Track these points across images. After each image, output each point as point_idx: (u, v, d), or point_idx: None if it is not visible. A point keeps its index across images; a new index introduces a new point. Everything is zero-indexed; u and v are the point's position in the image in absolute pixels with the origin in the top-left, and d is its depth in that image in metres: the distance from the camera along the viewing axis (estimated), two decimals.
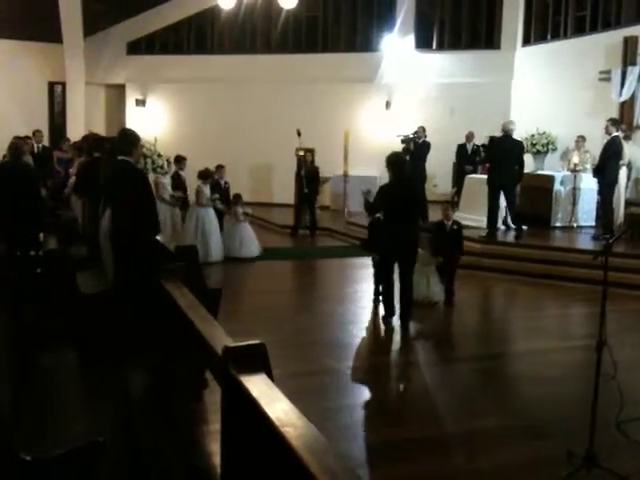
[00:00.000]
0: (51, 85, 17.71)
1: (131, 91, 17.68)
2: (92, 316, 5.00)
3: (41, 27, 16.43)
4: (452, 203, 7.83)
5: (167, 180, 10.96)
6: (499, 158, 10.23)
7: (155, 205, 5.67)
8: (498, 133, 14.17)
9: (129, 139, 5.59)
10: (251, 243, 10.75)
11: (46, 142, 14.33)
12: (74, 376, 4.39)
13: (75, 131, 15.51)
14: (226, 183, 11.62)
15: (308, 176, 12.92)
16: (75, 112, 17.04)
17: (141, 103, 17.60)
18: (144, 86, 17.58)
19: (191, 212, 10.64)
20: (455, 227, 8.13)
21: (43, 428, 3.52)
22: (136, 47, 17.77)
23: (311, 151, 15.53)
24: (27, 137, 11.51)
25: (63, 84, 17.30)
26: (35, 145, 12.46)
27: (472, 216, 11.73)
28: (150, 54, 17.63)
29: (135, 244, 5.32)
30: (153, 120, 17.05)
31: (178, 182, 11.19)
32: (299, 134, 12.66)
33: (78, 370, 4.56)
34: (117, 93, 17.96)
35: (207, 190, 10.54)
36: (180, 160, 11.50)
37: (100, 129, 15.30)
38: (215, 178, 11.04)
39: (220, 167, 11.51)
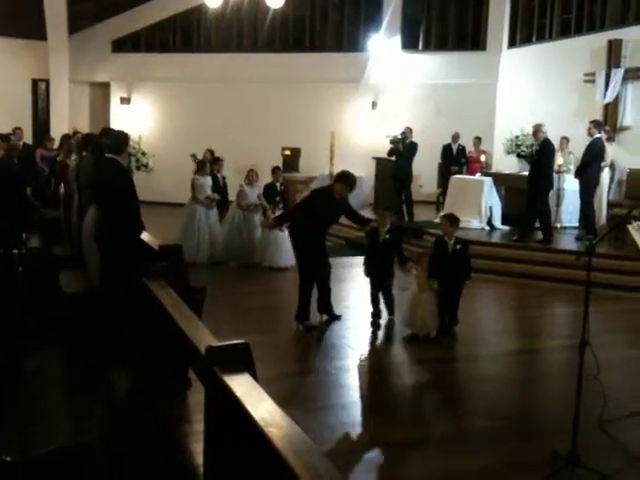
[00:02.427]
0: (35, 82, 17.55)
1: (116, 89, 17.56)
2: (75, 315, 4.96)
3: (25, 24, 16.28)
4: (453, 220, 6.94)
5: (206, 181, 10.41)
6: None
7: (138, 204, 5.63)
8: (482, 134, 14.31)
9: (121, 138, 5.58)
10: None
11: (29, 140, 14.21)
12: (57, 376, 4.35)
13: (59, 129, 15.37)
14: (224, 178, 11.27)
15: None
16: (59, 110, 16.90)
17: (126, 101, 17.49)
18: (129, 84, 17.48)
19: (231, 214, 10.33)
20: (458, 247, 6.83)
21: (26, 428, 3.49)
22: (121, 45, 17.66)
23: (297, 150, 15.56)
24: (9, 134, 11.38)
25: (47, 81, 17.15)
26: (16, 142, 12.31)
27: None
28: (135, 52, 17.52)
29: (120, 243, 5.28)
30: (138, 118, 16.94)
31: (215, 183, 10.73)
32: (194, 159, 12.18)
33: (61, 369, 4.52)
34: (102, 91, 17.85)
35: (250, 191, 10.13)
36: (215, 162, 11.10)
37: (84, 127, 15.17)
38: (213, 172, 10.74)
39: (218, 160, 11.20)
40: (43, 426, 3.58)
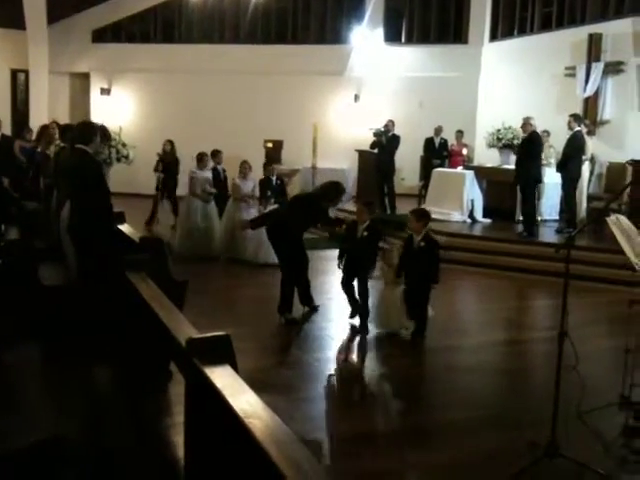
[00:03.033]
0: (14, 73, 17.31)
1: (96, 80, 17.36)
2: (54, 308, 4.92)
3: (3, 13, 16.01)
4: (420, 215, 6.58)
5: (204, 174, 10.19)
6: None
7: (109, 195, 5.58)
8: (464, 127, 14.36)
9: (89, 128, 5.52)
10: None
11: (8, 131, 14.00)
12: (36, 369, 4.31)
13: (38, 120, 15.11)
14: (224, 171, 10.83)
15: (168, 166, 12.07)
16: (38, 101, 16.67)
17: (106, 92, 17.30)
18: (109, 75, 17.29)
19: (228, 208, 10.05)
20: (422, 244, 6.34)
21: (6, 422, 3.45)
22: (101, 35, 17.47)
23: (279, 143, 15.51)
24: None
25: (26, 72, 16.91)
26: None
27: (439, 209, 11.83)
28: (116, 42, 17.33)
29: (93, 236, 5.25)
30: (118, 109, 16.79)
31: (215, 176, 10.49)
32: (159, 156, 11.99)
33: (40, 363, 4.48)
34: (82, 82, 17.65)
35: (244, 184, 9.87)
36: (215, 154, 10.74)
37: (64, 118, 14.99)
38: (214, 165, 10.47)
39: (217, 152, 10.80)
40: (23, 420, 3.55)
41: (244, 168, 10.05)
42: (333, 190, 6.98)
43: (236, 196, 9.93)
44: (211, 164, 10.51)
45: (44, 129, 8.46)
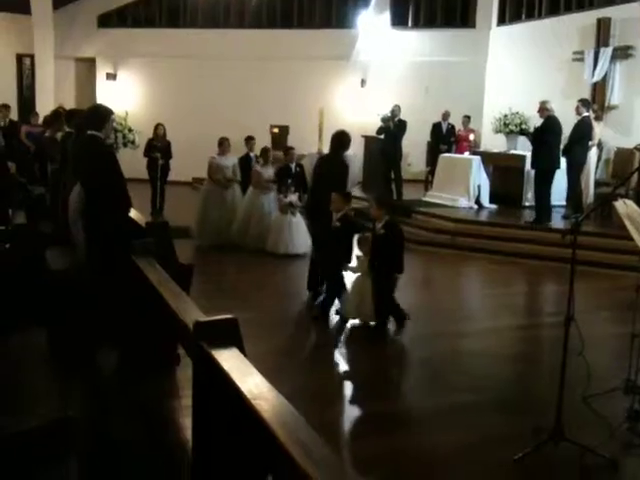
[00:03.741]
0: (19, 58, 17.29)
1: (102, 65, 17.35)
2: (61, 292, 4.94)
3: None
4: (380, 202, 6.30)
5: (225, 160, 9.86)
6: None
7: (124, 181, 5.56)
8: (471, 112, 14.28)
9: (100, 113, 5.45)
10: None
11: (15, 116, 14.00)
12: (43, 352, 4.34)
13: (45, 105, 15.17)
14: (257, 157, 10.39)
15: (162, 149, 11.89)
16: (44, 86, 16.66)
17: (112, 77, 17.29)
18: (115, 60, 17.26)
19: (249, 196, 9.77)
20: (382, 232, 6.07)
21: (12, 407, 3.48)
22: (107, 20, 17.42)
23: (285, 128, 15.47)
24: None
25: (32, 57, 16.89)
26: (2, 120, 12.16)
27: (445, 195, 11.82)
28: (121, 27, 17.30)
29: (107, 222, 5.24)
30: (124, 94, 16.77)
31: (244, 164, 10.17)
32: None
33: (47, 346, 4.50)
34: (87, 67, 17.62)
35: (265, 171, 9.67)
36: (249, 140, 10.49)
37: (70, 103, 14.97)
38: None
39: (250, 139, 10.52)
40: (29, 400, 3.58)
41: (266, 154, 9.87)
42: (345, 135, 7.08)
43: (257, 183, 9.68)
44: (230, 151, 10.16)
45: (57, 114, 8.37)
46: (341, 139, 7.06)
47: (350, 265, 6.45)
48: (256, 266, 8.80)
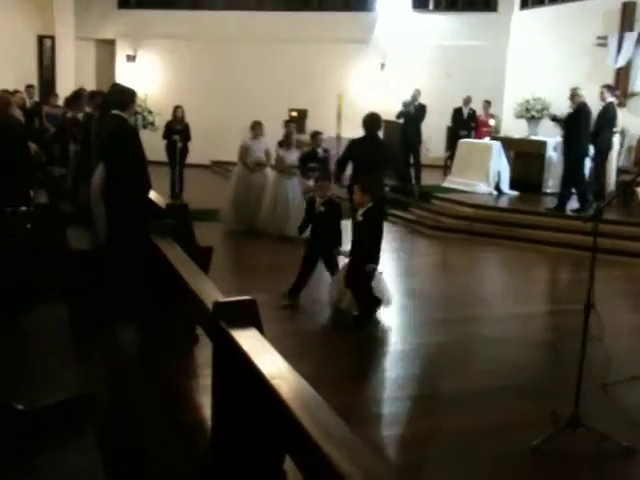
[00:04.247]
0: (40, 39, 17.34)
1: (121, 46, 17.37)
2: (82, 271, 4.99)
3: None
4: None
5: (254, 145, 9.63)
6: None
7: (145, 162, 5.59)
8: (492, 97, 14.13)
9: (125, 94, 5.46)
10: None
11: (37, 97, 14.09)
12: (64, 330, 4.39)
13: (65, 86, 15.21)
14: (325, 151, 9.94)
15: (181, 131, 11.88)
16: (65, 67, 16.74)
17: (132, 59, 17.31)
18: (135, 41, 17.26)
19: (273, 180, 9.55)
20: (361, 219, 5.92)
21: (34, 381, 3.53)
22: (127, 1, 17.41)
23: (304, 112, 15.41)
24: (16, 91, 11.30)
25: (52, 38, 16.96)
26: (27, 100, 12.25)
27: (464, 180, 11.75)
28: (141, 9, 17.27)
29: (127, 202, 5.27)
30: (143, 76, 16.79)
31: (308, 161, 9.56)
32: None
33: (68, 324, 4.56)
34: (107, 48, 17.64)
35: (288, 155, 9.42)
36: (315, 135, 9.95)
37: (90, 85, 15.03)
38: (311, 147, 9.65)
39: (290, 121, 10.24)
40: (50, 380, 3.62)
41: (289, 138, 9.67)
42: (377, 116, 7.30)
43: (281, 168, 9.44)
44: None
45: (78, 95, 8.39)
46: (375, 121, 7.27)
47: (342, 249, 6.33)
48: (278, 250, 8.77)
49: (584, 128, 9.62)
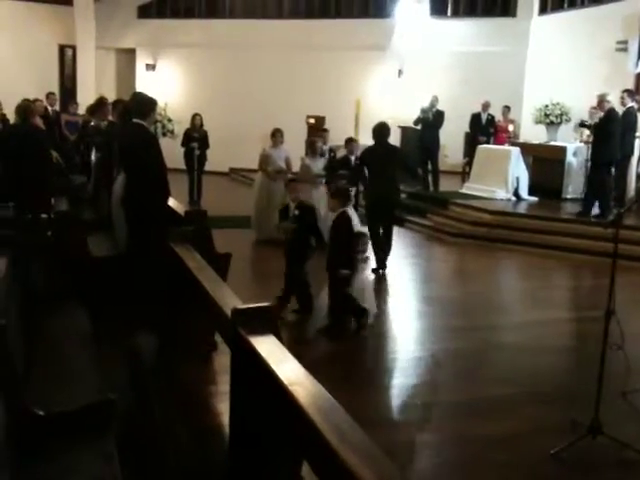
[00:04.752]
0: (61, 48, 17.60)
1: (141, 55, 17.57)
2: (102, 278, 5.04)
3: None
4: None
5: (274, 153, 9.48)
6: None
7: (165, 169, 5.64)
8: (510, 102, 14.06)
9: (146, 102, 5.52)
10: None
11: (57, 106, 14.28)
12: (84, 337, 4.43)
13: (86, 95, 15.43)
14: (331, 151, 9.88)
15: (199, 139, 11.89)
16: (85, 76, 16.95)
17: (151, 68, 17.50)
18: (154, 50, 17.46)
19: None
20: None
21: (54, 386, 3.58)
22: (147, 11, 17.61)
23: (322, 119, 15.45)
24: (37, 100, 11.46)
25: (73, 47, 17.20)
26: (49, 108, 12.43)
27: (483, 186, 11.70)
28: (161, 18, 17.48)
29: (147, 209, 5.32)
30: (163, 85, 16.95)
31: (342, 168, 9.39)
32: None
33: (89, 332, 4.60)
34: (127, 57, 17.86)
35: (314, 163, 9.20)
36: (349, 142, 9.79)
37: (110, 94, 15.20)
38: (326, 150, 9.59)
39: (324, 131, 9.96)
40: (72, 384, 3.66)
41: (313, 146, 9.48)
42: (384, 127, 7.90)
43: (305, 177, 9.10)
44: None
45: (101, 103, 8.43)
46: (382, 130, 7.89)
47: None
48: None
49: (614, 134, 9.51)
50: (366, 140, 15.02)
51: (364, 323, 5.78)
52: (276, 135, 9.62)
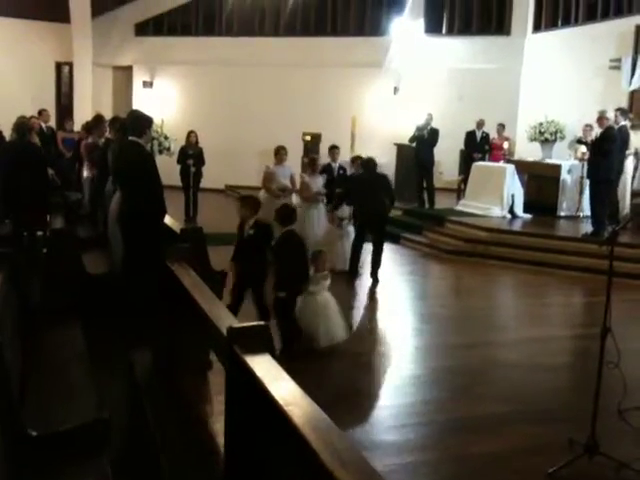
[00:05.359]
0: (58, 65, 17.67)
1: (138, 73, 17.63)
2: (98, 296, 5.03)
3: (49, 6, 16.37)
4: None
5: (278, 170, 9.26)
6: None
7: (161, 187, 5.64)
8: (505, 120, 14.15)
9: (141, 120, 5.53)
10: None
11: (53, 123, 14.32)
12: (79, 355, 4.41)
13: (82, 112, 15.48)
14: (341, 169, 9.63)
15: (194, 156, 11.83)
16: (82, 93, 17.01)
17: (148, 85, 17.56)
18: (151, 68, 17.53)
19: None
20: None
21: (49, 405, 3.55)
22: (144, 28, 17.70)
23: (318, 136, 15.51)
24: (33, 117, 11.49)
25: (70, 64, 17.27)
26: (43, 125, 12.45)
27: (478, 204, 11.73)
28: (158, 35, 17.55)
29: (143, 227, 5.31)
30: (160, 102, 16.99)
31: (329, 173, 9.54)
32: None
33: (84, 349, 4.58)
34: (124, 74, 17.92)
35: (314, 181, 9.03)
36: (333, 149, 9.73)
37: (107, 111, 15.25)
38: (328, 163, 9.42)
39: (334, 148, 9.70)
40: (66, 403, 3.64)
41: (313, 164, 9.35)
42: (372, 161, 8.49)
43: (306, 195, 9.06)
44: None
45: (98, 120, 8.43)
46: (370, 163, 8.56)
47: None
48: None
49: (612, 151, 9.52)
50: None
51: (290, 348, 5.49)
52: (280, 152, 9.45)
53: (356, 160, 9.56)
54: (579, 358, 6.12)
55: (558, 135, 13.29)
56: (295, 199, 9.38)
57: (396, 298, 8.03)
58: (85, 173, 8.63)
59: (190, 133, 12.05)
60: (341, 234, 8.85)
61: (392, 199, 8.71)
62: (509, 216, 11.48)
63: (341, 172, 9.64)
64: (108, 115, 10.58)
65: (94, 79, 17.14)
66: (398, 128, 14.79)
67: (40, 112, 12.75)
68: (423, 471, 3.94)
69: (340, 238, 8.83)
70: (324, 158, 15.13)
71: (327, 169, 9.67)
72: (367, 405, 4.82)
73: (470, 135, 13.73)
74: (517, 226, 11.01)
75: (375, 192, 8.32)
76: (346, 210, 8.77)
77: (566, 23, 14.83)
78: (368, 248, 8.55)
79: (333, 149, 9.86)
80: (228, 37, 17.22)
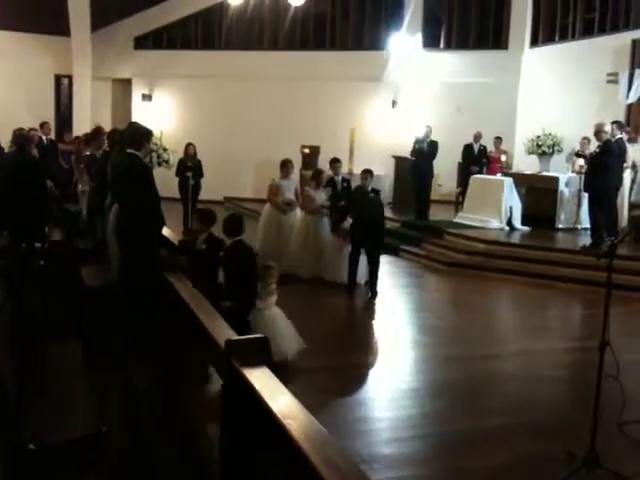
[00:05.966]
0: (58, 78, 17.72)
1: (138, 86, 17.68)
2: (96, 308, 5.02)
3: (49, 20, 16.46)
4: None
5: (283, 184, 9.28)
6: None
7: (159, 200, 5.64)
8: (502, 134, 14.21)
9: (140, 133, 5.54)
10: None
11: (52, 135, 14.34)
12: (77, 366, 4.40)
13: (81, 125, 15.53)
14: (345, 181, 9.60)
15: (193, 168, 11.86)
16: (81, 106, 17.05)
17: (147, 98, 17.61)
18: (151, 81, 17.59)
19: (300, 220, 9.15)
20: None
21: (47, 418, 3.54)
22: (143, 42, 17.78)
23: (316, 149, 15.55)
24: (32, 129, 11.52)
25: (70, 77, 17.32)
26: (44, 137, 12.49)
27: (476, 216, 11.75)
28: (157, 49, 17.63)
29: (141, 239, 5.31)
30: (159, 115, 17.04)
31: (333, 187, 9.38)
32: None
33: (82, 361, 4.57)
34: (123, 88, 17.98)
35: (317, 194, 9.06)
36: (334, 162, 9.68)
37: (106, 124, 15.29)
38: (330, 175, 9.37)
39: (336, 161, 9.68)
40: (65, 413, 3.63)
41: (318, 177, 9.29)
42: (369, 172, 8.49)
43: (310, 208, 9.06)
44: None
45: (97, 132, 8.44)
46: (364, 189, 8.50)
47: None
48: (303, 291, 8.40)
49: (611, 165, 9.49)
50: (360, 169, 15.13)
51: None
52: (287, 166, 9.42)
53: (334, 163, 9.59)
54: (578, 371, 6.11)
55: (556, 148, 13.35)
56: (299, 212, 9.34)
57: (394, 310, 8.02)
58: (81, 186, 8.63)
59: (188, 145, 12.08)
60: (343, 246, 8.71)
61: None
62: (507, 228, 11.49)
63: (345, 185, 9.57)
64: (107, 128, 10.62)
65: (93, 92, 17.19)
66: (396, 141, 14.83)
67: (42, 125, 12.80)
68: None
69: (341, 250, 8.72)
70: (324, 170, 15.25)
71: (331, 182, 9.56)
72: (364, 417, 4.80)
73: (468, 148, 13.77)
74: (515, 238, 11.02)
75: (372, 202, 8.34)
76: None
77: (563, 38, 14.92)
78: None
79: (335, 162, 9.76)
80: (227, 51, 17.30)
